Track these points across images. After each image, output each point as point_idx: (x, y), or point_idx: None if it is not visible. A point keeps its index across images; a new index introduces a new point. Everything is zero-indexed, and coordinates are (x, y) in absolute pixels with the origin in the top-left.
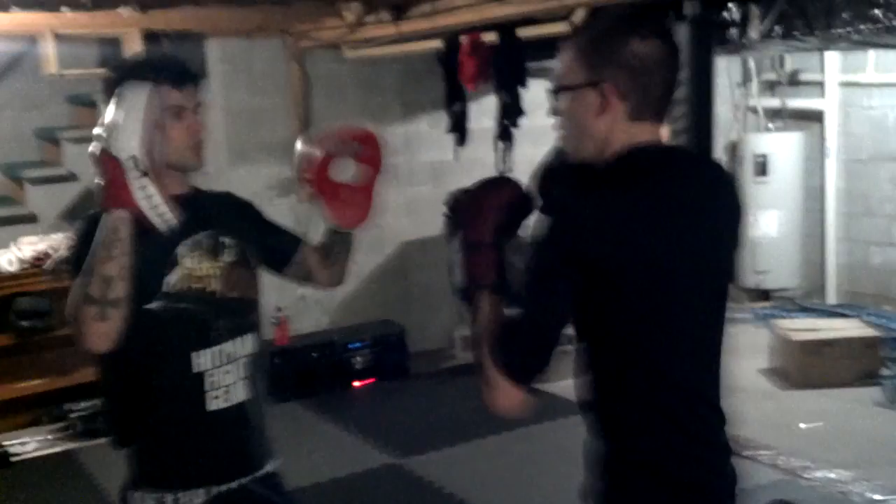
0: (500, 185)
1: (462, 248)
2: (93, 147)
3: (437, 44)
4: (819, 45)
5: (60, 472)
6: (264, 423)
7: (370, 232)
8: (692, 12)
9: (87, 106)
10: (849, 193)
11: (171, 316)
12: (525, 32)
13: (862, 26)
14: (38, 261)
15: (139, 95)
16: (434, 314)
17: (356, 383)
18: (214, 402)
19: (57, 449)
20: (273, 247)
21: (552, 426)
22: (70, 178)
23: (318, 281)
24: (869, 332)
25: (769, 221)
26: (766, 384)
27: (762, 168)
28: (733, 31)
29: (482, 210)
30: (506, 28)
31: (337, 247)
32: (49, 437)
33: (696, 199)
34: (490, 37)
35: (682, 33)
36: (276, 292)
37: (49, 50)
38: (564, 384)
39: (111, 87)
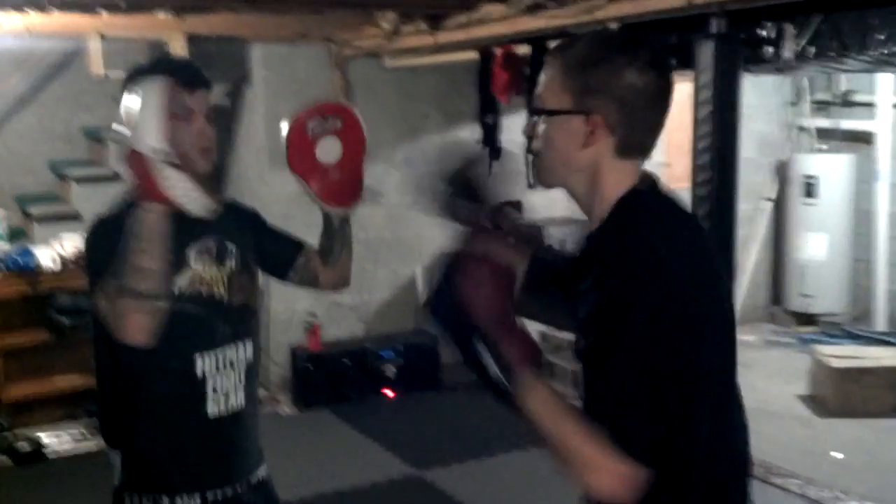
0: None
1: (484, 334)
2: (115, 143)
3: (475, 54)
4: (855, 67)
5: (93, 467)
6: (258, 430)
7: (407, 241)
8: (719, 30)
9: None
10: None
11: (178, 317)
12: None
13: None
14: (80, 258)
15: (154, 89)
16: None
17: (386, 392)
18: (214, 407)
19: (91, 444)
20: (275, 253)
21: None
22: (114, 177)
23: (322, 284)
24: None
25: (817, 244)
26: (802, 410)
27: (811, 189)
28: (768, 50)
29: (475, 293)
30: (538, 41)
31: (338, 238)
32: (84, 432)
33: (705, 241)
34: (524, 49)
35: (707, 51)
36: (310, 298)
37: (95, 51)
38: None
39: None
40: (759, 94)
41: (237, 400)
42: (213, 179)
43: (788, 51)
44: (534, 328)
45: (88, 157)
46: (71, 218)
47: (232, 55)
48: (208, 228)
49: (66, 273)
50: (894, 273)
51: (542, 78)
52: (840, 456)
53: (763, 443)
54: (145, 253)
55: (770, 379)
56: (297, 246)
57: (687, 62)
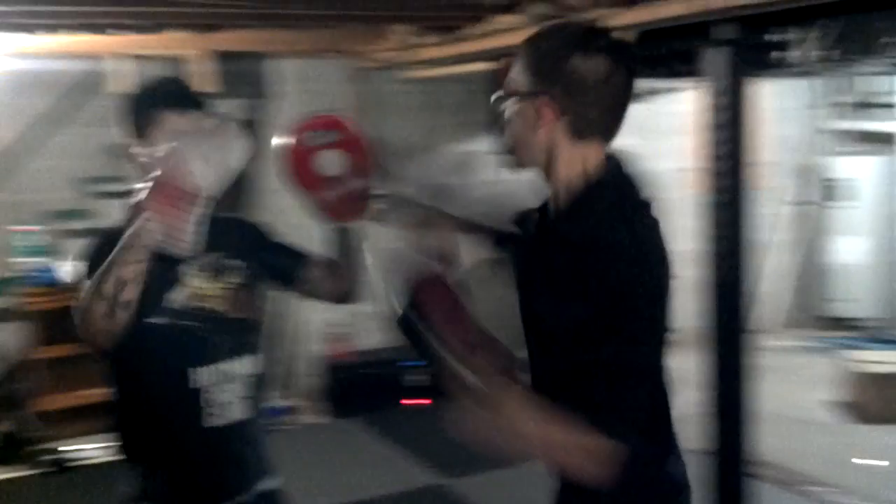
0: (432, 289)
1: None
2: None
3: (490, 65)
4: (873, 70)
5: (115, 479)
6: (263, 442)
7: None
8: (731, 36)
9: None
10: None
11: (171, 331)
12: None
13: None
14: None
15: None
16: (496, 335)
17: (409, 402)
18: (210, 419)
19: (113, 457)
20: (278, 266)
21: None
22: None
23: (325, 297)
24: None
25: (843, 248)
26: (827, 417)
27: (841, 192)
28: (781, 55)
29: (440, 320)
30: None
31: (341, 256)
32: (106, 445)
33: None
34: None
35: (720, 58)
36: (339, 308)
37: (113, 71)
38: None
39: (123, 113)
40: (782, 97)
41: (238, 412)
42: (230, 194)
43: (803, 55)
44: None
45: (117, 174)
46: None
47: (253, 71)
48: (207, 245)
49: None
50: None
51: (512, 69)
52: (862, 462)
53: (794, 451)
54: (128, 263)
55: (800, 385)
56: (300, 258)
57: (700, 69)
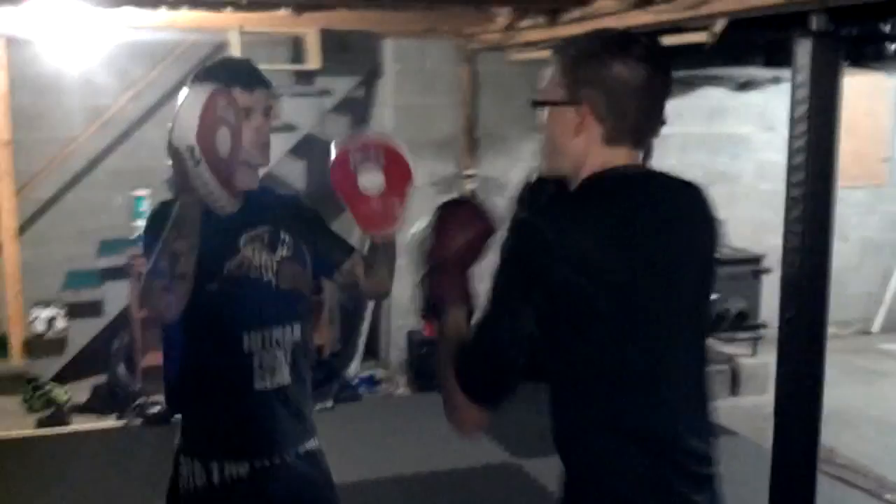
0: (460, 205)
1: (427, 268)
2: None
3: None
4: None
5: None
6: (306, 405)
7: None
8: (818, 27)
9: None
10: None
11: (227, 298)
12: (668, 40)
13: None
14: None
15: (200, 93)
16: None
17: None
18: (260, 382)
19: None
20: (325, 253)
21: None
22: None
23: (363, 290)
24: None
25: None
26: None
27: None
28: (870, 47)
29: (444, 230)
30: (649, 35)
31: (379, 256)
32: None
33: (665, 223)
34: None
35: (805, 49)
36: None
37: (235, 45)
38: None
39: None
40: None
41: (283, 376)
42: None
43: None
44: None
45: None
46: None
47: (364, 48)
48: (265, 219)
49: None
50: None
51: (546, 76)
52: None
53: None
54: (179, 238)
55: None
56: (347, 250)
57: (787, 60)
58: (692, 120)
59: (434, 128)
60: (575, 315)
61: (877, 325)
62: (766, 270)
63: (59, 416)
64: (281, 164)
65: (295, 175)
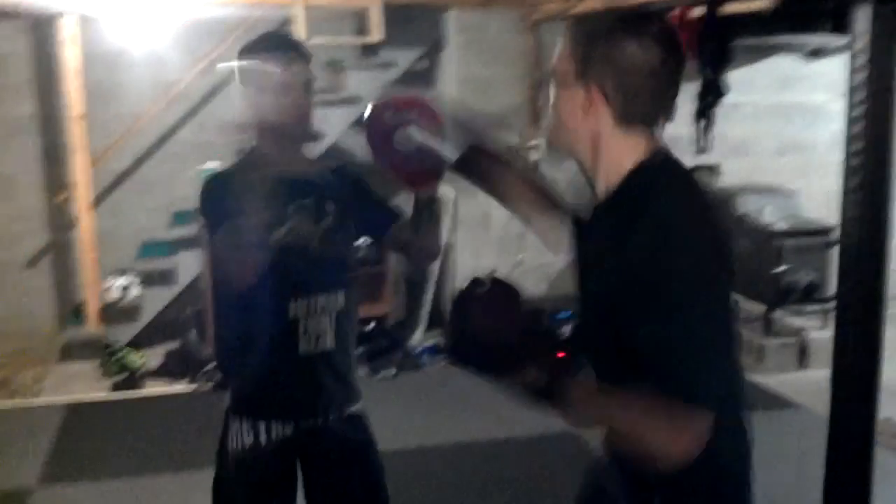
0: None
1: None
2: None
3: None
4: None
5: None
6: (350, 370)
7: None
8: None
9: (337, 71)
10: None
11: (273, 266)
12: (730, 8)
13: None
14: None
15: (236, 70)
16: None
17: (563, 354)
18: (305, 346)
19: None
20: (372, 219)
21: (751, 419)
22: (315, 136)
23: (410, 254)
24: None
25: None
26: None
27: None
28: None
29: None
30: (713, 4)
31: (423, 217)
32: None
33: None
34: (699, 12)
35: (864, 16)
36: (494, 256)
37: (299, 18)
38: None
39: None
40: None
41: (328, 342)
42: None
43: None
44: None
45: None
46: None
47: (427, 20)
48: (310, 189)
49: None
50: None
51: (557, 51)
52: None
53: None
54: (244, 212)
55: None
56: (393, 215)
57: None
58: (763, 89)
59: (496, 99)
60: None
61: None
62: (838, 242)
63: (132, 380)
64: (346, 136)
65: (359, 147)
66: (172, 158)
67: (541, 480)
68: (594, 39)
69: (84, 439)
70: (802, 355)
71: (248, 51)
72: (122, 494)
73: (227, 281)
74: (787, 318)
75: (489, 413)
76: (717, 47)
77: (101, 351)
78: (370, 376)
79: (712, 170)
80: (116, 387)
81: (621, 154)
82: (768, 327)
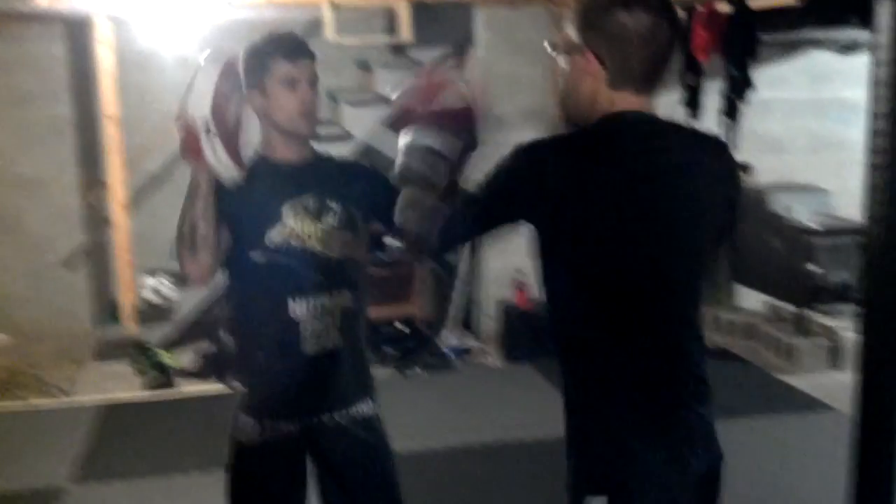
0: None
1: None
2: (178, 109)
3: (680, 14)
4: None
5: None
6: (359, 369)
7: None
8: None
9: (366, 70)
10: None
11: (270, 267)
12: (756, 3)
13: None
14: None
15: (214, 67)
16: None
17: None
18: (309, 347)
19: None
20: (386, 217)
21: (780, 420)
22: (345, 136)
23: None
24: None
25: None
26: None
27: None
28: None
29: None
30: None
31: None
32: None
33: (663, 166)
34: (725, 8)
35: (886, 10)
36: (521, 255)
37: (328, 19)
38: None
39: (243, 64)
40: None
41: (332, 341)
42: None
43: None
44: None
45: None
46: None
47: (456, 18)
48: (310, 186)
49: None
50: None
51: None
52: None
53: None
54: (194, 205)
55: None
56: None
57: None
58: (797, 84)
59: (523, 97)
60: (571, 231)
61: None
62: None
63: (166, 380)
64: (374, 135)
65: (389, 146)
66: None
67: None
68: (590, 10)
69: (118, 438)
70: (835, 356)
71: (252, 50)
72: (155, 493)
73: (231, 280)
74: (819, 318)
75: (518, 414)
76: (743, 43)
77: (135, 350)
78: (399, 376)
79: (744, 168)
80: (150, 386)
81: (604, 109)
82: (800, 327)
